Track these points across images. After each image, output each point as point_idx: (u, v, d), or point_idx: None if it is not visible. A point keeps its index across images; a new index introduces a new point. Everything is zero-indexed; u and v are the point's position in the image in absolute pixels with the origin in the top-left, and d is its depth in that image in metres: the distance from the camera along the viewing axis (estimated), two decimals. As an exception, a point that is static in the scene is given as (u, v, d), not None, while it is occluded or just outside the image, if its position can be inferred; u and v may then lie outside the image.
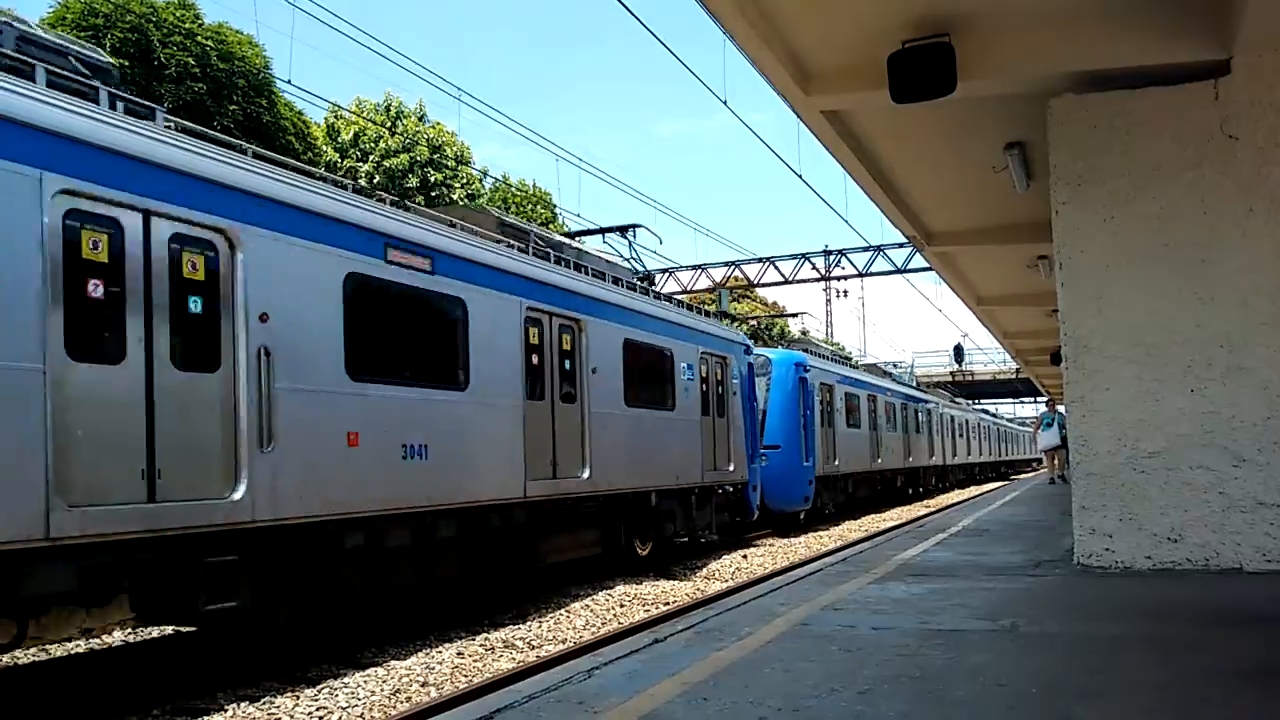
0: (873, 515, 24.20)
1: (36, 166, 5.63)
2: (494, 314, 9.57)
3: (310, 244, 7.46)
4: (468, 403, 9.09)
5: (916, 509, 25.38)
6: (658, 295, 14.62)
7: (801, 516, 19.68)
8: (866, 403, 24.81)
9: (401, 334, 8.52)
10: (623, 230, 17.85)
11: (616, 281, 12.97)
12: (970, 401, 54.13)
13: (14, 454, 5.37)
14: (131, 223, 6.18)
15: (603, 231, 17.38)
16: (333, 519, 7.47)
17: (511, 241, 10.82)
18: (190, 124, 7.69)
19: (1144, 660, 4.65)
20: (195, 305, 6.56)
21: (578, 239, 14.96)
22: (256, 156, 7.65)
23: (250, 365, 6.78)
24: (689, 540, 14.44)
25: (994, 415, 58.01)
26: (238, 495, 6.63)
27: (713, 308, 28.63)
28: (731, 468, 15.17)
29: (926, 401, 33.20)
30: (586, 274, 12.06)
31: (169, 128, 6.99)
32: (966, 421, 41.50)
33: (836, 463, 21.68)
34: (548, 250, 11.52)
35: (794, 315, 37.30)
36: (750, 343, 17.35)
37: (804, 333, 33.87)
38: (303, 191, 7.61)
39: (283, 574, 7.22)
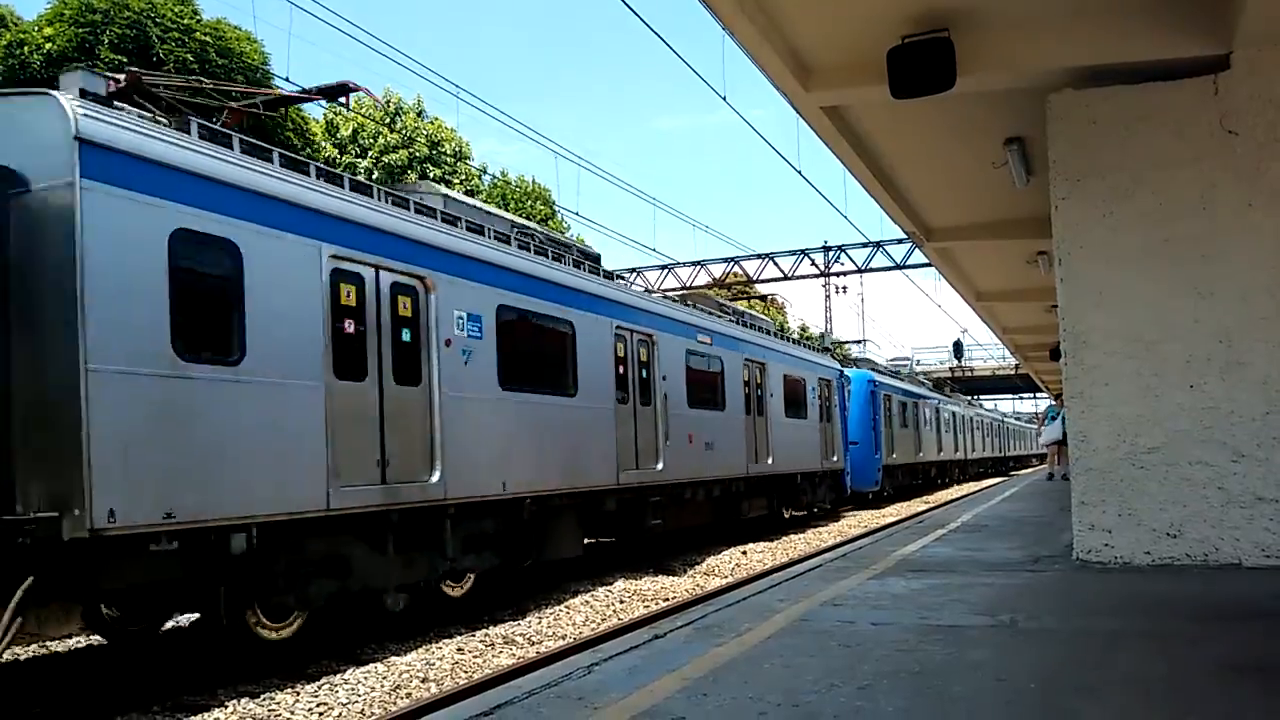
0: (917, 498, 29.97)
1: (610, 318, 12.32)
2: (732, 365, 16.51)
3: (677, 336, 14.38)
4: (725, 417, 15.98)
5: (938, 497, 28.50)
6: (787, 337, 22.52)
7: (870, 496, 25.94)
8: (912, 408, 30.98)
9: (702, 379, 15.31)
10: (763, 298, 30.10)
11: (771, 333, 20.24)
12: (973, 397, 54.95)
13: (610, 449, 12.00)
14: (634, 337, 13.01)
15: (754, 297, 28.99)
16: (682, 481, 14.11)
17: (729, 315, 18.05)
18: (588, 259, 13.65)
19: (1143, 655, 4.66)
20: (644, 373, 13.18)
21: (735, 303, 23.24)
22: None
23: (660, 400, 13.42)
24: (805, 511, 21.35)
25: (1002, 415, 62.75)
26: (659, 467, 13.26)
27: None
28: (835, 458, 22.20)
29: (952, 405, 39.60)
30: (764, 332, 19.36)
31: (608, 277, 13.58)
32: (982, 421, 48.77)
33: (894, 456, 27.99)
34: (744, 317, 18.79)
35: (857, 342, 42.73)
36: (843, 368, 24.55)
37: (837, 343, 36.12)
38: (673, 307, 15.07)
39: (666, 508, 13.49)
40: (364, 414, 8.05)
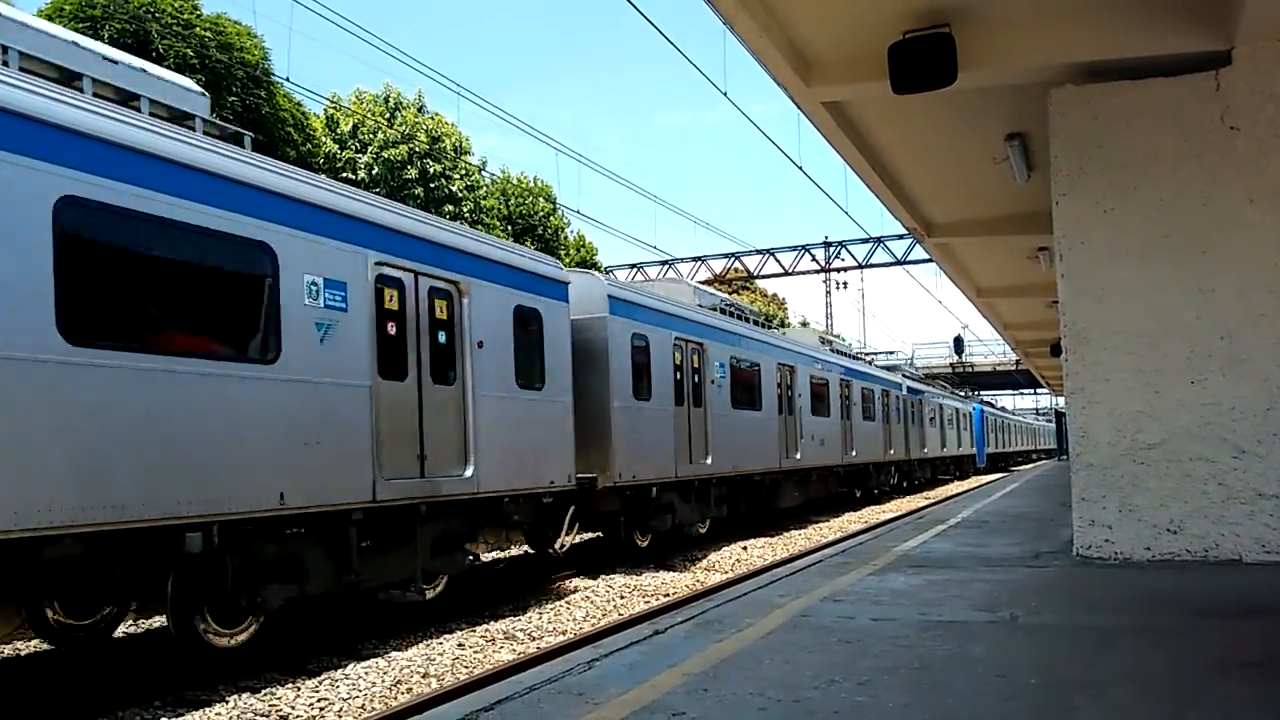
0: (990, 475, 44.01)
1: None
2: (878, 394, 26.56)
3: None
4: (876, 426, 25.42)
5: (941, 491, 29.93)
6: (927, 379, 39.51)
7: (980, 467, 45.97)
8: (992, 421, 50.42)
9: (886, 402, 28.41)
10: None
11: (938, 385, 38.59)
12: (972, 391, 56.24)
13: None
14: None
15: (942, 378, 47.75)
16: (872, 464, 26.64)
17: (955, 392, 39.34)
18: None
19: (1143, 651, 4.67)
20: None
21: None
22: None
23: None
24: (956, 476, 39.67)
25: (1029, 417, 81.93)
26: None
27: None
28: (972, 450, 43.27)
29: (1010, 416, 62.09)
30: (920, 379, 34.20)
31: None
32: (1020, 425, 69.41)
33: (989, 448, 48.73)
34: (905, 367, 35.67)
35: (885, 354, 50.97)
36: (973, 403, 44.62)
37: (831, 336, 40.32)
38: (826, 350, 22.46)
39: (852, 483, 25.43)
40: None
